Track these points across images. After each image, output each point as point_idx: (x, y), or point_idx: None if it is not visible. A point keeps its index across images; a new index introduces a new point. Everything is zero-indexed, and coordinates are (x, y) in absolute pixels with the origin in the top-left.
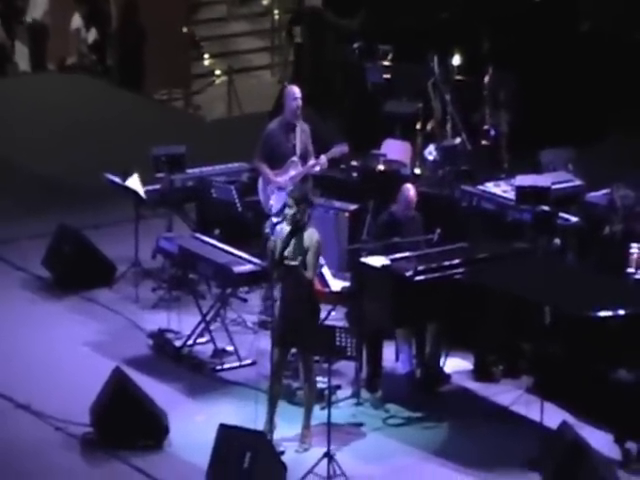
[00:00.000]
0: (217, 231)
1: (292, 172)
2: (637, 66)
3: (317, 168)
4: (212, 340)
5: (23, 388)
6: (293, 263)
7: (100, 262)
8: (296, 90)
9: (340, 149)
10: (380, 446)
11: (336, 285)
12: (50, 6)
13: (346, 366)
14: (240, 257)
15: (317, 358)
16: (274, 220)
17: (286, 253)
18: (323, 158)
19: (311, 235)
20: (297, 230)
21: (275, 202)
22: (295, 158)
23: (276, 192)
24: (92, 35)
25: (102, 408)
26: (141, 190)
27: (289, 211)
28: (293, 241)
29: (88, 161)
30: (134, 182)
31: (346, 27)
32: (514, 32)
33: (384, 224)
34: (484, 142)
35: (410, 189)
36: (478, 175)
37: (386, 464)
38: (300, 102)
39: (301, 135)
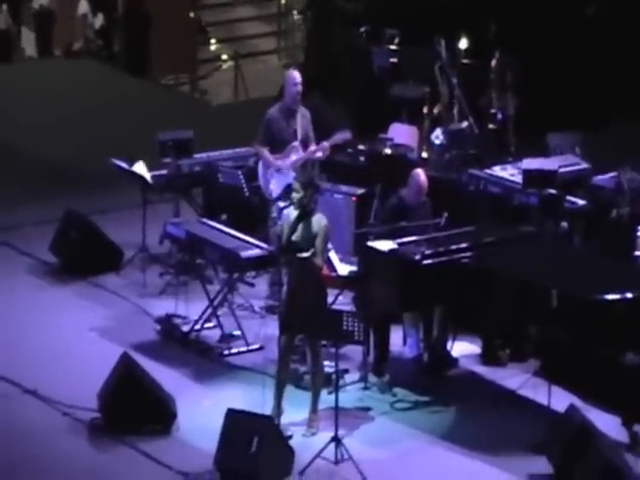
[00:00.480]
0: (224, 216)
1: (293, 157)
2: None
3: (319, 154)
4: (219, 325)
5: (30, 373)
6: (304, 255)
7: (107, 247)
8: (296, 75)
9: (343, 136)
10: (387, 430)
11: (343, 269)
12: None
13: (353, 350)
14: (247, 242)
15: (324, 342)
16: (281, 205)
17: (294, 238)
18: (325, 144)
19: (319, 220)
20: (305, 215)
21: (275, 186)
22: (296, 143)
23: (276, 176)
24: (99, 21)
25: (109, 393)
26: (147, 175)
27: (296, 195)
28: (301, 226)
29: (95, 146)
30: (140, 167)
31: (352, 10)
32: (521, 16)
33: (393, 208)
34: (491, 126)
35: (421, 174)
36: (485, 159)
37: (393, 448)
38: (300, 88)
39: (302, 120)
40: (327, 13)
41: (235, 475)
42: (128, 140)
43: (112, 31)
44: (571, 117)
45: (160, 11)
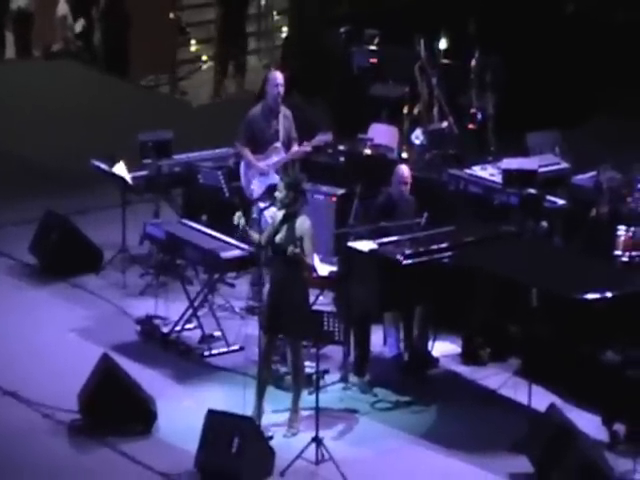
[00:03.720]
0: (204, 216)
1: (275, 158)
2: (620, 48)
3: (300, 155)
4: (200, 326)
5: (10, 375)
6: (294, 250)
7: (87, 248)
8: (278, 76)
9: (324, 137)
10: (368, 430)
11: (323, 270)
12: None
13: (334, 350)
14: (227, 242)
15: (305, 343)
16: (261, 205)
17: (277, 239)
18: (306, 146)
19: (303, 222)
20: (289, 217)
21: (257, 187)
22: (278, 144)
23: (257, 177)
24: (80, 23)
25: (90, 394)
26: (127, 176)
27: (279, 195)
28: (284, 227)
29: (75, 147)
30: (120, 168)
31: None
32: (500, 15)
33: (380, 205)
34: (471, 125)
35: (403, 167)
36: (465, 158)
37: (374, 448)
38: (282, 89)
39: (284, 121)
40: (306, 14)
41: (216, 476)
42: (108, 141)
43: (92, 32)
44: (551, 116)
45: (140, 12)
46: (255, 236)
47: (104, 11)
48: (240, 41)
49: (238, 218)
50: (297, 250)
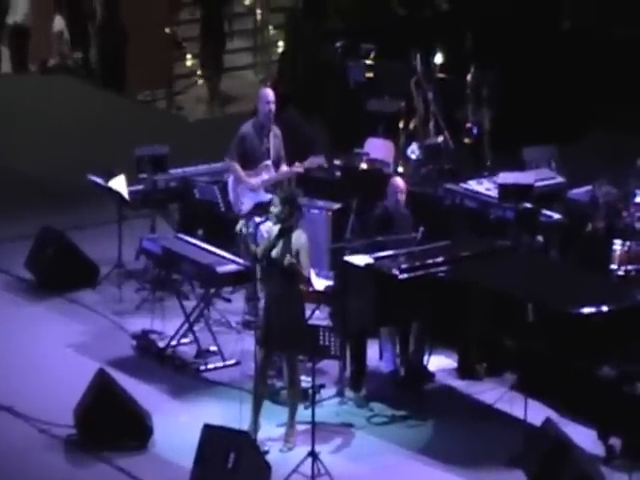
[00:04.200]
0: (200, 231)
1: (265, 176)
2: (616, 63)
3: (290, 175)
4: (196, 340)
5: (6, 390)
6: (291, 260)
7: (83, 263)
8: (269, 93)
9: (316, 160)
10: (364, 445)
11: (320, 284)
12: (31, 9)
13: (330, 365)
14: (223, 257)
15: (301, 357)
16: (257, 220)
17: (273, 254)
18: (298, 167)
19: (299, 236)
20: (285, 231)
21: (245, 202)
22: (269, 162)
23: (247, 193)
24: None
25: (86, 409)
26: (124, 191)
27: (274, 210)
28: (280, 242)
29: (71, 162)
30: (117, 183)
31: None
32: (497, 30)
33: (377, 218)
34: (467, 140)
35: (398, 179)
36: (461, 173)
37: (370, 463)
38: (273, 106)
39: (274, 140)
40: (303, 29)
41: None
42: (104, 156)
43: (88, 47)
44: (547, 131)
45: (136, 27)
46: (252, 247)
47: (100, 26)
48: (219, 40)
49: (241, 225)
50: (294, 260)
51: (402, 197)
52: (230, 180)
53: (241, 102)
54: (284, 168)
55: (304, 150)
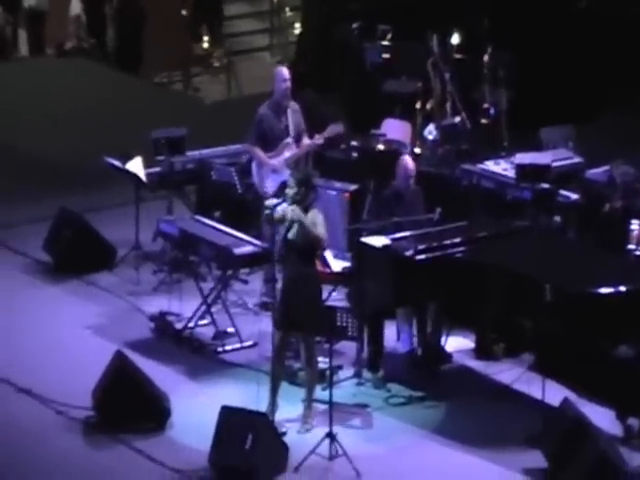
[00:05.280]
0: (217, 213)
1: (286, 154)
2: (633, 43)
3: (312, 148)
4: (213, 322)
5: (24, 372)
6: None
7: (100, 245)
8: (285, 72)
9: (335, 129)
10: (382, 426)
11: (337, 266)
12: None
13: (347, 346)
14: (240, 239)
15: (318, 339)
16: (274, 201)
17: (290, 236)
18: (318, 137)
19: (314, 217)
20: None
21: (270, 185)
22: (289, 140)
23: (271, 174)
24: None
25: (104, 391)
26: (142, 173)
27: (289, 191)
28: (296, 224)
29: (88, 144)
30: (134, 165)
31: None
32: (513, 10)
33: (387, 198)
34: (484, 120)
35: (406, 159)
36: (478, 154)
37: (388, 443)
38: (289, 84)
39: (293, 116)
40: (319, 10)
41: (229, 472)
42: (121, 138)
43: (105, 29)
44: (564, 111)
45: (153, 9)
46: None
47: (118, 8)
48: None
49: (269, 206)
50: (304, 219)
51: (411, 176)
52: (253, 164)
53: (258, 84)
54: (306, 141)
55: (322, 130)
